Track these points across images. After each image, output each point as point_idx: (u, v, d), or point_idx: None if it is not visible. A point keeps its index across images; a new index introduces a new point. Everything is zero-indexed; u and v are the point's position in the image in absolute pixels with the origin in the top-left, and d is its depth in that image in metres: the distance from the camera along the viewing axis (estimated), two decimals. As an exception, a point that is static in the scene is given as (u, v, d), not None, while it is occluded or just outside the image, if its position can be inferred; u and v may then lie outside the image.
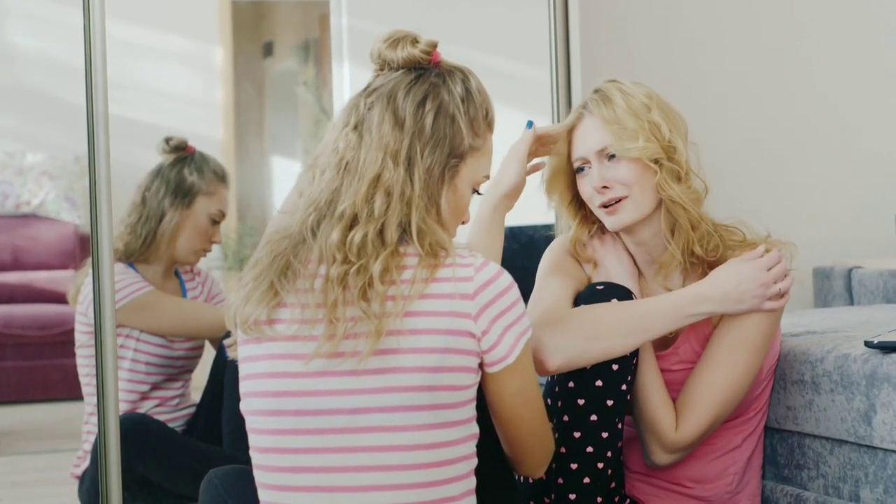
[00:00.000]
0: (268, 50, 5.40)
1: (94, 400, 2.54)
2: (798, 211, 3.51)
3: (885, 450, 1.98)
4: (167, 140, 2.99)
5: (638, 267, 2.12)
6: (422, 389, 1.62)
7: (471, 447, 1.69)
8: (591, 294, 1.98)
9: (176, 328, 2.88)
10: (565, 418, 1.94)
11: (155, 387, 2.90)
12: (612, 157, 2.03)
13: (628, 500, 2.06)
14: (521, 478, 1.99)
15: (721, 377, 1.99)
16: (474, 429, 1.69)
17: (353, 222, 1.66)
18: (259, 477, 1.70)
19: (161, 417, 2.85)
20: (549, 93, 3.04)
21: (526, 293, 1.84)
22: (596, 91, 2.07)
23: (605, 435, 1.94)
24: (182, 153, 2.98)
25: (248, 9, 5.32)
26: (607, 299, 1.96)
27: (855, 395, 2.01)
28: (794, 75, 3.53)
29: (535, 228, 3.26)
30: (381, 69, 1.78)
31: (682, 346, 2.07)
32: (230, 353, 1.76)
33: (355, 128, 1.72)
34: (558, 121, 2.98)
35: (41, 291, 4.60)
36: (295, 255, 1.67)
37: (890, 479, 1.97)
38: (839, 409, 2.04)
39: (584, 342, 1.89)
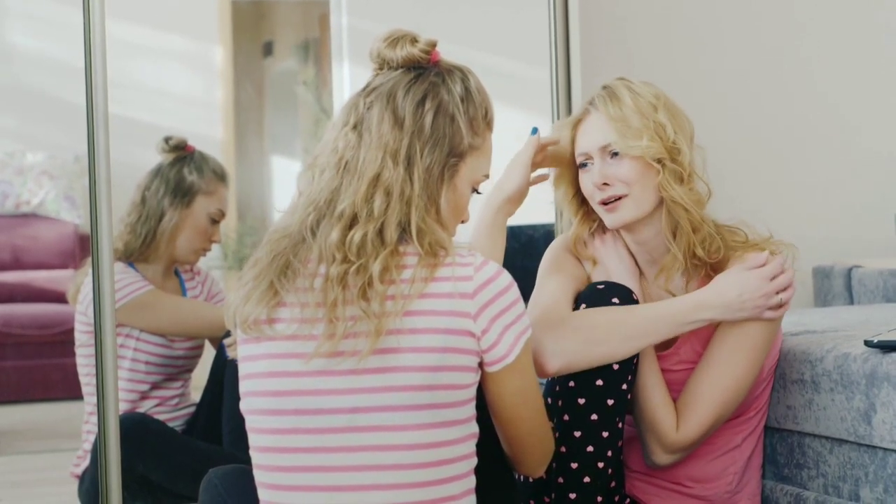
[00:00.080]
0: (268, 49, 5.39)
1: (94, 399, 2.54)
2: (798, 211, 3.51)
3: (885, 449, 1.98)
4: (167, 139, 2.99)
5: (639, 266, 2.12)
6: (421, 389, 1.62)
7: (470, 446, 1.69)
8: (592, 293, 1.98)
9: (176, 327, 2.88)
10: (566, 417, 1.94)
11: (155, 386, 2.90)
12: (614, 154, 2.03)
13: (628, 500, 2.06)
14: (521, 477, 1.99)
15: (722, 378, 1.99)
16: (474, 428, 1.69)
17: (352, 222, 1.66)
18: (259, 476, 1.70)
19: (161, 417, 2.85)
20: (548, 93, 3.04)
21: (526, 293, 1.84)
22: (604, 88, 2.07)
23: (605, 434, 1.94)
24: (181, 152, 2.98)
25: (248, 8, 5.31)
26: (608, 298, 1.96)
27: (855, 395, 2.01)
28: (794, 75, 3.53)
29: (534, 228, 3.26)
30: (381, 68, 1.78)
31: (683, 347, 2.07)
32: (230, 353, 1.76)
33: (355, 127, 1.72)
34: (558, 119, 2.98)
35: (41, 291, 4.59)
36: (294, 254, 1.67)
37: (890, 478, 1.97)
38: (839, 409, 2.04)
39: (585, 346, 1.89)
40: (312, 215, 1.69)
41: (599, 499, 1.96)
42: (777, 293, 1.97)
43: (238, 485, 1.84)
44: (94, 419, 2.63)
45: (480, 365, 1.68)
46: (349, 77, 4.00)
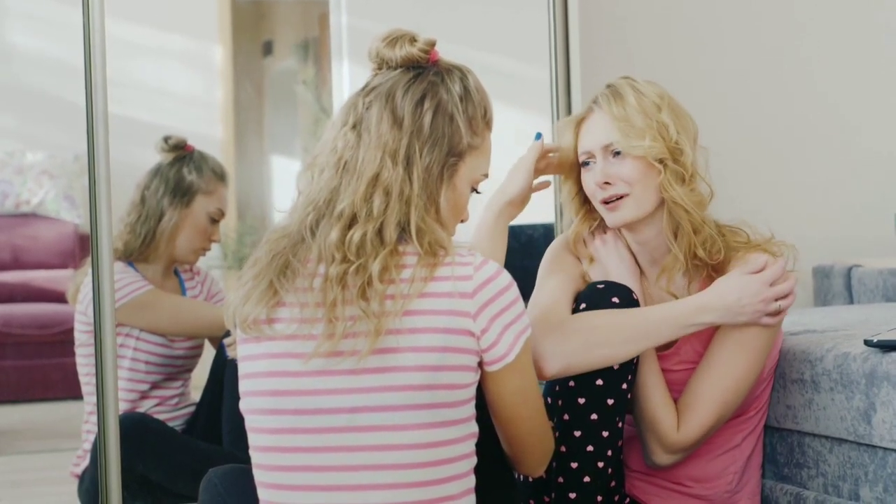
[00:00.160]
0: (267, 49, 5.39)
1: (94, 399, 2.54)
2: (798, 210, 3.51)
3: (885, 448, 1.98)
4: (166, 139, 2.99)
5: (640, 266, 2.12)
6: (421, 388, 1.62)
7: (470, 446, 1.68)
8: (592, 293, 1.98)
9: (175, 327, 2.88)
10: (565, 417, 1.94)
11: (155, 386, 2.90)
12: (617, 153, 2.02)
13: (628, 500, 2.06)
14: (521, 476, 1.99)
15: (723, 378, 1.99)
16: (473, 427, 1.69)
17: (352, 221, 1.66)
18: (258, 476, 1.70)
19: (161, 416, 2.85)
20: (548, 92, 3.04)
21: (526, 293, 1.84)
22: (608, 86, 2.07)
23: (605, 434, 1.94)
24: (181, 152, 2.98)
25: (247, 8, 5.31)
26: (608, 298, 1.95)
27: (854, 394, 2.01)
28: (794, 75, 3.53)
29: (534, 228, 3.26)
30: (380, 68, 1.77)
31: (683, 347, 2.06)
32: (230, 353, 1.76)
33: (354, 127, 1.72)
34: (558, 119, 2.98)
35: (41, 291, 4.59)
36: (294, 254, 1.67)
37: (889, 477, 1.97)
38: (839, 408, 2.04)
39: (584, 348, 1.89)
40: (312, 215, 1.69)
41: (599, 498, 1.96)
42: (776, 300, 1.97)
43: (238, 484, 1.84)
44: (94, 419, 2.63)
45: (480, 364, 1.68)
46: (349, 76, 4.00)
